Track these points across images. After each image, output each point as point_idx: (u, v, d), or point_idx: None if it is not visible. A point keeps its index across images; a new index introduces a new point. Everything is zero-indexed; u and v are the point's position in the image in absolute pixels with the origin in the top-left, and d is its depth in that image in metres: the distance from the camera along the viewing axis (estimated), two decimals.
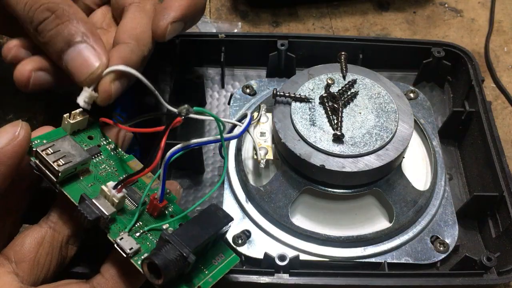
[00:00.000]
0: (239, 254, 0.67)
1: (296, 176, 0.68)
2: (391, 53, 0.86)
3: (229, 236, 0.68)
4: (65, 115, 0.58)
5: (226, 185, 0.73)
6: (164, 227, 0.54)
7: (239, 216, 0.70)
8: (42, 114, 0.86)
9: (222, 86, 0.89)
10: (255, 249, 0.68)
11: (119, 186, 0.53)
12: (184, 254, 0.49)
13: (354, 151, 0.65)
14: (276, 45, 0.84)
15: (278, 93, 0.70)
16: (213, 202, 0.68)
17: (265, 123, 0.73)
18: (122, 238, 0.51)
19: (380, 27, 1.04)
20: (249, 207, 0.71)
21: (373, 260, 0.68)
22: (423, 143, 0.78)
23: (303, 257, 0.67)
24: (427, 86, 0.88)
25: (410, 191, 0.70)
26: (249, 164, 0.74)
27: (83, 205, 0.51)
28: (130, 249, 0.50)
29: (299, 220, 0.70)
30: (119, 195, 0.53)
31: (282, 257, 0.64)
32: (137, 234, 0.53)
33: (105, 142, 0.60)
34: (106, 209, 0.52)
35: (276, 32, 1.01)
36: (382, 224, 0.70)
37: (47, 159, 0.53)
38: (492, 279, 0.64)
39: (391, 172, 0.69)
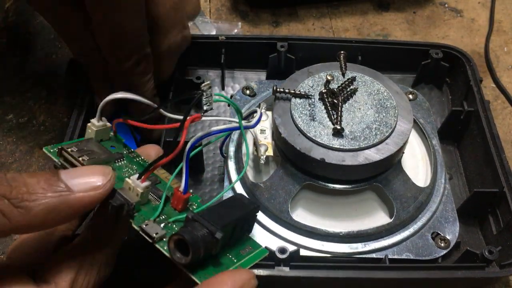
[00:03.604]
0: None
1: (296, 172, 0.68)
2: (390, 54, 0.87)
3: None
4: (88, 124, 0.58)
5: (226, 183, 0.73)
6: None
7: None
8: (42, 114, 0.87)
9: (222, 88, 0.89)
10: None
11: (143, 176, 0.52)
12: (212, 230, 0.47)
13: (354, 145, 0.65)
14: (276, 47, 0.85)
15: (278, 89, 0.70)
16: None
17: (265, 120, 0.73)
18: (147, 224, 0.50)
19: (380, 27, 1.04)
20: None
21: (373, 255, 0.68)
22: (423, 142, 0.78)
23: (303, 252, 0.67)
24: (425, 88, 0.89)
25: (410, 187, 0.70)
26: (249, 161, 0.74)
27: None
28: (156, 233, 0.49)
29: (299, 216, 0.70)
30: (143, 185, 0.51)
31: (282, 250, 0.63)
32: (162, 224, 0.51)
33: (126, 151, 0.60)
34: (130, 198, 0.50)
35: (275, 34, 1.01)
36: (383, 219, 0.70)
37: (72, 155, 0.52)
38: (494, 272, 0.64)
39: (391, 167, 0.69)
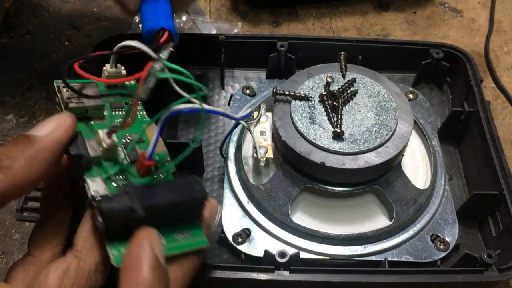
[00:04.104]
0: (239, 252, 0.68)
1: (296, 174, 0.68)
2: (390, 54, 0.87)
3: (229, 235, 0.68)
4: (104, 68, 0.58)
5: (226, 184, 0.73)
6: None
7: (239, 214, 0.70)
8: (42, 114, 0.87)
9: (222, 88, 0.89)
10: (255, 247, 0.68)
11: (110, 133, 0.52)
12: (133, 208, 0.47)
13: (354, 148, 0.65)
14: (276, 46, 0.85)
15: (278, 91, 0.70)
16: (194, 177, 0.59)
17: (265, 122, 0.73)
18: (94, 181, 0.50)
19: (380, 27, 1.04)
20: (249, 205, 0.70)
21: (373, 258, 0.68)
22: (423, 143, 0.78)
23: (303, 255, 0.67)
24: (426, 87, 0.88)
25: (410, 189, 0.70)
26: (249, 163, 0.74)
27: (73, 141, 0.51)
28: (95, 191, 0.49)
29: (299, 218, 0.70)
30: (108, 141, 0.51)
31: (282, 254, 0.63)
32: (114, 184, 0.51)
33: (131, 103, 0.56)
34: (92, 151, 0.51)
35: (275, 34, 1.01)
36: (382, 222, 0.70)
37: (62, 94, 0.52)
38: (493, 276, 0.64)
39: (391, 170, 0.69)
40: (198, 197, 0.53)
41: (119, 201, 0.47)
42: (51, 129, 0.48)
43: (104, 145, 0.51)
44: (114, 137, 0.51)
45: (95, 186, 0.49)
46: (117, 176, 0.52)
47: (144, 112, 0.59)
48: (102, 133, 0.51)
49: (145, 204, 0.48)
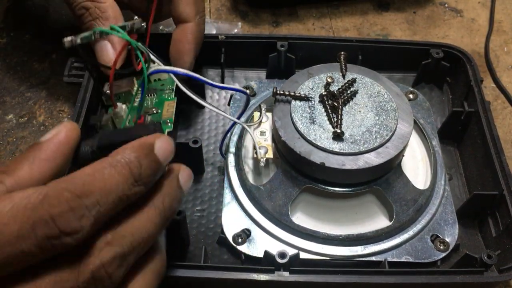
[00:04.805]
0: (239, 253, 0.68)
1: (296, 175, 0.68)
2: (390, 54, 0.87)
3: (229, 235, 0.68)
4: None
5: (226, 184, 0.73)
6: None
7: (239, 215, 0.71)
8: (42, 114, 0.87)
9: None
10: (255, 248, 0.68)
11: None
12: (92, 144, 0.53)
13: (354, 148, 0.65)
14: (276, 46, 0.85)
15: (278, 91, 0.70)
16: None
17: (265, 122, 0.73)
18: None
19: (380, 27, 1.04)
20: (249, 206, 0.71)
21: (373, 258, 0.68)
22: (423, 143, 0.78)
23: (303, 255, 0.67)
24: (426, 87, 0.89)
25: (410, 189, 0.70)
26: (249, 163, 0.75)
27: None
28: None
29: (299, 219, 0.70)
30: (106, 116, 0.67)
31: (282, 255, 0.63)
32: None
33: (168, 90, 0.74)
34: (104, 119, 0.66)
35: (275, 34, 1.01)
36: (382, 222, 0.70)
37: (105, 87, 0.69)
38: (493, 276, 0.64)
39: (391, 170, 0.69)
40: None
41: (89, 139, 0.54)
42: (53, 133, 0.51)
43: (112, 115, 0.66)
44: (121, 106, 0.66)
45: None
46: None
47: (172, 94, 0.73)
48: (119, 106, 0.66)
49: (102, 141, 0.54)
